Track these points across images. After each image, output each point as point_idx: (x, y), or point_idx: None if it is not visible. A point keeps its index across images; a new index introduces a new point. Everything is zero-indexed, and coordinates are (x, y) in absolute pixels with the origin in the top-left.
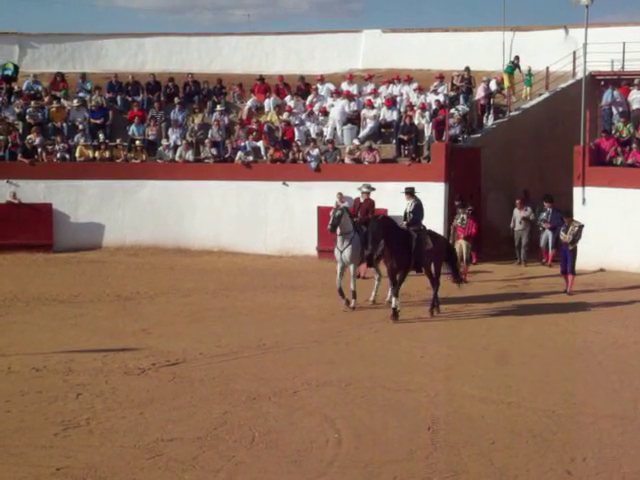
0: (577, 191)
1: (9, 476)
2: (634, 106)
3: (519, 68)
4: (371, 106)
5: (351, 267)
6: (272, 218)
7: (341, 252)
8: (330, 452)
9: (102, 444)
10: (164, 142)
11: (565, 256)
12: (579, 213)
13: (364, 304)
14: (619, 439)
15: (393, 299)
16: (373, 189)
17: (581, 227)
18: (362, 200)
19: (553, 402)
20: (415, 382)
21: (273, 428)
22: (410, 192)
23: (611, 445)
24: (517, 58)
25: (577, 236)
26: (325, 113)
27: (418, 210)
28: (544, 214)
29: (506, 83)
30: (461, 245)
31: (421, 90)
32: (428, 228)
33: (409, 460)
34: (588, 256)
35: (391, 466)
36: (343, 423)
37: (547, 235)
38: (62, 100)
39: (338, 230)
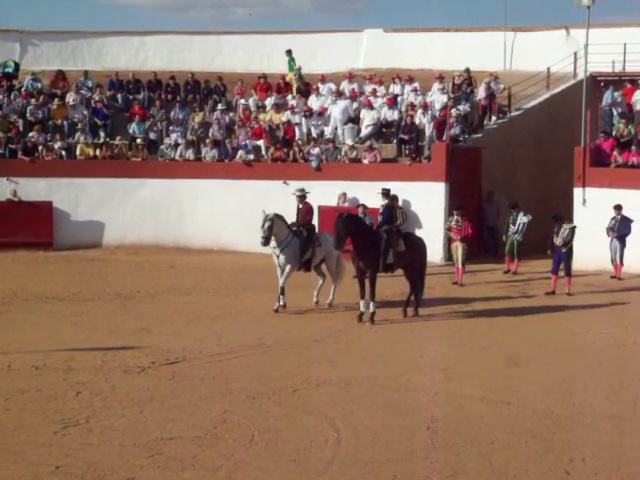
0: (577, 192)
1: (8, 474)
2: (638, 107)
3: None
4: (370, 106)
5: (287, 268)
6: None
7: (277, 257)
8: (329, 451)
9: (101, 442)
10: (166, 141)
11: (559, 257)
12: (579, 214)
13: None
14: (618, 440)
15: (371, 304)
16: (307, 192)
17: (573, 228)
18: (300, 206)
19: (552, 402)
20: (415, 382)
21: (272, 427)
22: (385, 193)
23: (610, 445)
24: (290, 53)
25: (568, 238)
26: (321, 113)
27: (387, 211)
28: (612, 222)
29: (289, 78)
30: (457, 247)
31: (415, 91)
32: (408, 231)
33: (408, 460)
34: (588, 257)
35: (390, 465)
36: (343, 422)
37: (615, 245)
38: (67, 95)
39: (273, 241)
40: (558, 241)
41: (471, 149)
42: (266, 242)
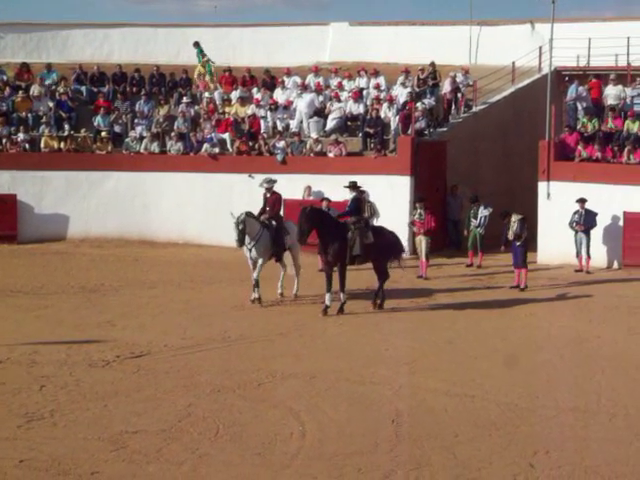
0: (542, 185)
1: None
2: (609, 101)
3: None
4: (337, 98)
5: (259, 261)
6: (238, 210)
7: (250, 250)
8: (294, 444)
9: (66, 436)
10: (131, 133)
11: (516, 251)
12: (544, 207)
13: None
14: (581, 432)
15: (341, 295)
16: (274, 182)
17: (521, 220)
18: (268, 195)
19: (516, 395)
20: (379, 375)
21: (237, 420)
22: (352, 186)
23: (573, 438)
24: (197, 45)
25: (519, 230)
26: (286, 107)
27: (353, 204)
28: (576, 215)
29: (197, 71)
30: (421, 240)
31: (378, 87)
32: (378, 224)
33: (373, 453)
34: (552, 250)
35: (355, 458)
36: (307, 416)
37: (580, 238)
38: (32, 88)
39: (247, 239)
40: (509, 235)
41: (436, 143)
42: (241, 243)
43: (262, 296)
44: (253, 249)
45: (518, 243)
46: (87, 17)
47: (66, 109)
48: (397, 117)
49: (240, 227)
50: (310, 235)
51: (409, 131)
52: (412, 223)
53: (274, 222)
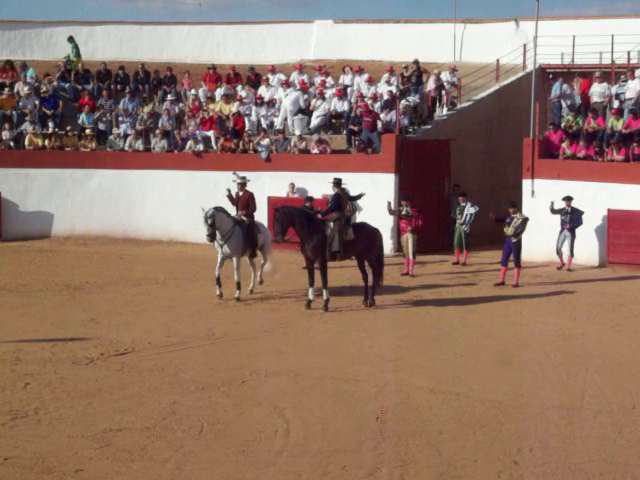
0: (526, 183)
1: None
2: (594, 99)
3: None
4: (322, 96)
5: (234, 259)
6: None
7: (221, 246)
8: (279, 442)
9: (50, 434)
10: (115, 131)
11: (509, 248)
12: (528, 205)
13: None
14: (566, 430)
15: (324, 291)
16: (247, 180)
17: (525, 220)
18: (240, 193)
19: (501, 393)
20: (364, 372)
21: (222, 418)
22: (336, 183)
23: (558, 436)
24: (72, 40)
25: (520, 229)
26: (272, 103)
27: (334, 200)
28: (563, 213)
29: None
30: (407, 238)
31: (371, 81)
32: (361, 221)
33: (357, 450)
34: (537, 248)
35: (340, 456)
36: (292, 413)
37: (565, 236)
38: (16, 85)
39: (218, 234)
40: (510, 231)
41: (438, 142)
42: (212, 238)
43: (240, 295)
44: (225, 246)
45: (514, 240)
46: (71, 15)
47: (50, 107)
48: (381, 112)
49: (209, 222)
50: (286, 234)
51: (391, 128)
52: (398, 215)
53: (246, 219)
